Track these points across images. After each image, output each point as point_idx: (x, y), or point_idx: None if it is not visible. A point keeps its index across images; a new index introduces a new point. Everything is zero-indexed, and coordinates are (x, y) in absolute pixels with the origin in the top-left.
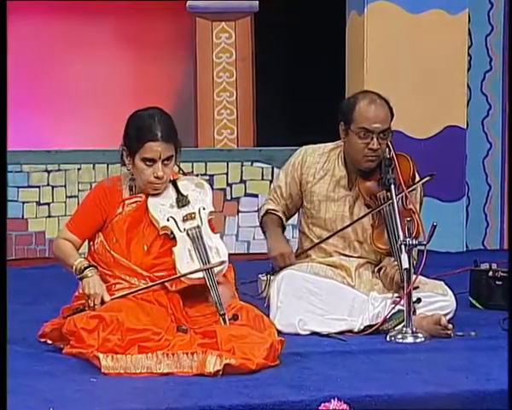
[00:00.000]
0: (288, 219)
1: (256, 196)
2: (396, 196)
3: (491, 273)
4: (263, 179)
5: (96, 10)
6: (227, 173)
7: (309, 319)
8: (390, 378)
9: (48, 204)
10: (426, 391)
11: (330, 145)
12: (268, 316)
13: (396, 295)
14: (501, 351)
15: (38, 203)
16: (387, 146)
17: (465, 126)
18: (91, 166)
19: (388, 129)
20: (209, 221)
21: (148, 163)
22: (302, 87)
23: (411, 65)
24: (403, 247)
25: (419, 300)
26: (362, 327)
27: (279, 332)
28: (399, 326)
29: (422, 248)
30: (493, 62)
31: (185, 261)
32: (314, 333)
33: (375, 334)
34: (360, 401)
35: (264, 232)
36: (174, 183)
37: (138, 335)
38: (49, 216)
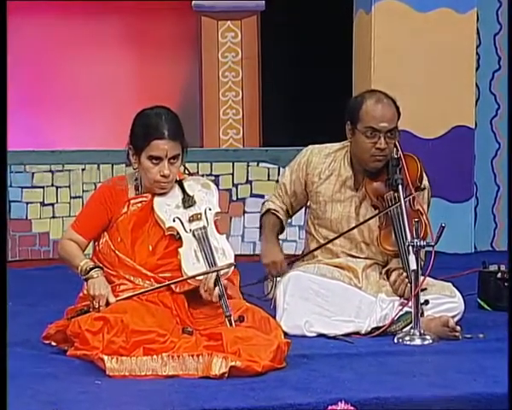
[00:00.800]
0: (290, 216)
1: (262, 196)
2: (403, 196)
3: (499, 275)
4: (269, 180)
5: (101, 10)
6: (233, 174)
7: (315, 320)
8: (397, 381)
9: (52, 205)
10: (433, 394)
11: (336, 145)
12: (274, 318)
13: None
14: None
15: (42, 204)
16: (395, 146)
17: (473, 126)
18: (96, 166)
19: (395, 128)
20: (214, 222)
21: (154, 161)
22: (309, 87)
23: (419, 64)
24: (410, 248)
25: (427, 302)
26: (369, 329)
27: (285, 334)
28: (407, 328)
29: (430, 249)
30: (502, 61)
31: (191, 262)
32: (321, 335)
33: (382, 336)
34: (367, 404)
35: (259, 233)
36: (180, 183)
37: (143, 337)
38: (53, 217)
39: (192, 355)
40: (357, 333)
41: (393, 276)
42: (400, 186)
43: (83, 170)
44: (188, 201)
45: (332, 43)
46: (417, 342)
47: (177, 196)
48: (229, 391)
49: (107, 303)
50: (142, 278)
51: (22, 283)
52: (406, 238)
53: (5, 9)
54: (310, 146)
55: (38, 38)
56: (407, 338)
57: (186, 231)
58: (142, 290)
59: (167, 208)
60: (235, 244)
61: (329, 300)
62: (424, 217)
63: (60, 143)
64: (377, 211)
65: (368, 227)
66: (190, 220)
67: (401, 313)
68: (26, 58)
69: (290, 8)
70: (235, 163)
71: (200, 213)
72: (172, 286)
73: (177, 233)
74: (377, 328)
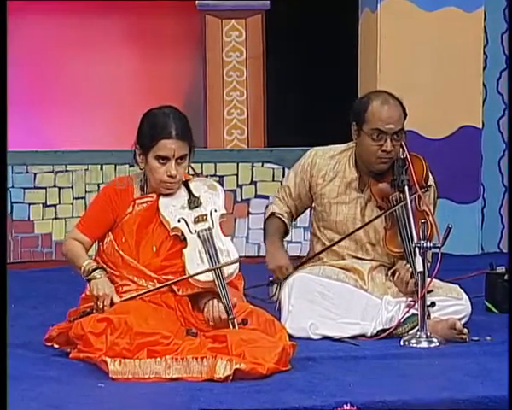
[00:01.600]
0: (294, 218)
1: (267, 197)
2: (410, 197)
3: (507, 277)
4: (274, 180)
5: (103, 9)
6: (237, 174)
7: (321, 323)
8: (403, 384)
9: (54, 206)
10: (440, 397)
11: (341, 147)
12: (279, 320)
13: (410, 298)
14: None
15: (45, 205)
16: (401, 146)
17: (480, 126)
18: (99, 166)
19: (402, 130)
20: (219, 224)
21: (161, 161)
22: (314, 86)
23: (426, 64)
24: (417, 249)
25: (433, 304)
26: (375, 331)
27: (290, 337)
28: (413, 331)
29: (437, 250)
30: (509, 61)
31: (195, 263)
32: (326, 337)
33: (388, 338)
34: (373, 407)
35: (264, 237)
36: (186, 184)
37: (147, 339)
38: (56, 218)
39: (196, 358)
40: (363, 335)
41: (396, 266)
42: (407, 187)
43: (85, 170)
44: (193, 202)
45: (337, 43)
46: (424, 344)
47: (182, 197)
48: (233, 394)
49: (112, 303)
50: (146, 279)
51: (24, 284)
52: (412, 239)
53: (5, 9)
54: (314, 148)
55: (42, 39)
56: (413, 341)
57: (191, 232)
58: (148, 290)
59: (172, 209)
60: (239, 246)
61: (335, 302)
62: (430, 218)
63: (62, 143)
64: (382, 211)
65: (373, 228)
66: (195, 221)
67: (407, 315)
68: (27, 58)
69: (295, 7)
70: (240, 164)
71: (206, 215)
72: (175, 289)
73: (182, 234)
74: (383, 330)
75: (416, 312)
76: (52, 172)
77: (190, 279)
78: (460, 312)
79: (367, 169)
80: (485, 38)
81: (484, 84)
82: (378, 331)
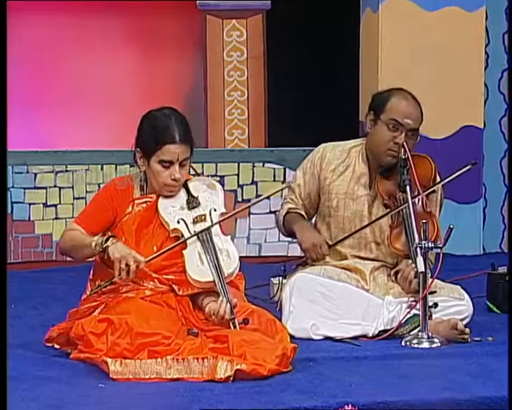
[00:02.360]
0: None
1: (268, 197)
2: (412, 197)
3: (508, 277)
4: (275, 180)
5: (104, 9)
6: (238, 174)
7: (322, 323)
8: (405, 384)
9: (55, 206)
10: (442, 397)
11: (350, 143)
12: (280, 320)
13: (412, 299)
14: None
15: (45, 205)
16: (403, 147)
17: (482, 126)
18: (99, 166)
19: (417, 130)
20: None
21: (164, 165)
22: (315, 86)
23: (427, 63)
24: (418, 250)
25: (436, 305)
26: (376, 332)
27: (291, 337)
28: (415, 331)
29: (438, 251)
30: (511, 60)
31: (195, 264)
32: (327, 338)
33: (390, 339)
34: (374, 408)
35: (290, 230)
36: (185, 184)
37: (148, 339)
38: (56, 218)
39: (197, 358)
40: (365, 336)
41: (399, 266)
42: (408, 187)
43: (86, 170)
44: (192, 202)
45: (338, 43)
46: (425, 345)
47: (181, 198)
48: (234, 395)
49: (136, 266)
50: (147, 279)
51: (25, 285)
52: (414, 239)
53: (5, 9)
54: (322, 144)
55: (42, 39)
56: (415, 341)
57: (190, 233)
58: (167, 248)
59: (172, 210)
60: (240, 246)
61: (336, 302)
62: (434, 220)
63: (62, 143)
64: (388, 210)
65: (379, 226)
66: (194, 222)
67: (409, 315)
68: (27, 58)
69: (296, 6)
70: (241, 164)
71: (205, 215)
72: (176, 289)
73: (182, 235)
74: (384, 331)
75: (417, 312)
76: (52, 172)
77: (190, 279)
78: (462, 312)
79: (376, 164)
80: (486, 37)
81: (485, 84)
82: (379, 332)
